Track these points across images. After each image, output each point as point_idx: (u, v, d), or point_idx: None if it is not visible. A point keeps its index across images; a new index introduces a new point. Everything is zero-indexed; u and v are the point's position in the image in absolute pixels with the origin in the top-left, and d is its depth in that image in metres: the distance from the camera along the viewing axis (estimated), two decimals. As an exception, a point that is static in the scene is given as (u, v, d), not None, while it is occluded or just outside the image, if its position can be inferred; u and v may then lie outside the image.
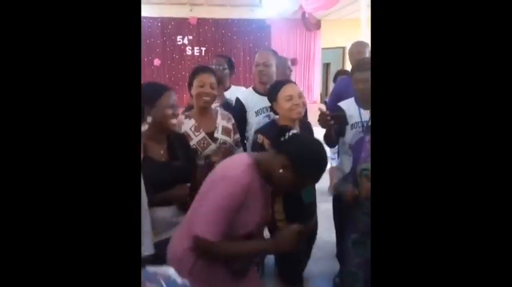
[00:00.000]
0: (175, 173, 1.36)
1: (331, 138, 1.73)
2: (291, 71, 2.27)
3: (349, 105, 1.77)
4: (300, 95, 1.53)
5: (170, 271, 0.60)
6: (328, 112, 1.62)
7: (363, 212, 1.31)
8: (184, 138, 1.53)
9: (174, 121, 1.36)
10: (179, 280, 0.58)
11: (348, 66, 3.52)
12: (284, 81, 1.64)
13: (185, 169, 1.40)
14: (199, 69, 1.64)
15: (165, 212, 1.35)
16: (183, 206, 1.39)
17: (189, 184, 1.37)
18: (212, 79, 1.58)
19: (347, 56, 2.70)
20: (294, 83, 1.64)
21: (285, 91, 1.51)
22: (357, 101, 1.72)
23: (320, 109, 1.64)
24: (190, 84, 1.64)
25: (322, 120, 1.59)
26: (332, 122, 1.59)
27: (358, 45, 2.20)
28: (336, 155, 2.83)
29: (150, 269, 0.59)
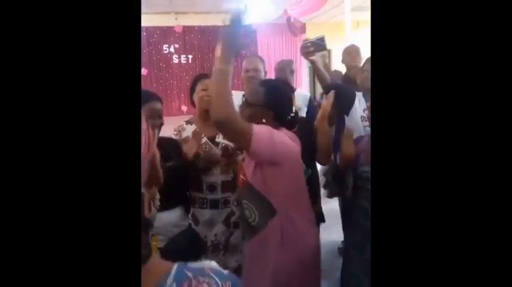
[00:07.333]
0: (170, 174, 1.37)
1: (331, 120, 1.89)
2: (292, 72, 2.32)
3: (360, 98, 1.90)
4: None
5: (213, 263, 0.60)
6: (308, 40, 1.84)
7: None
8: (172, 141, 1.56)
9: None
10: (225, 271, 0.59)
11: (335, 68, 3.56)
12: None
13: (178, 169, 1.43)
14: (201, 76, 1.72)
15: (171, 216, 1.35)
16: (188, 209, 1.40)
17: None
18: None
19: (333, 59, 2.77)
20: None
21: None
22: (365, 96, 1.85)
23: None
24: (192, 91, 1.68)
25: (304, 50, 1.81)
26: (312, 49, 1.79)
27: (349, 48, 2.66)
28: None
29: (194, 264, 0.59)
